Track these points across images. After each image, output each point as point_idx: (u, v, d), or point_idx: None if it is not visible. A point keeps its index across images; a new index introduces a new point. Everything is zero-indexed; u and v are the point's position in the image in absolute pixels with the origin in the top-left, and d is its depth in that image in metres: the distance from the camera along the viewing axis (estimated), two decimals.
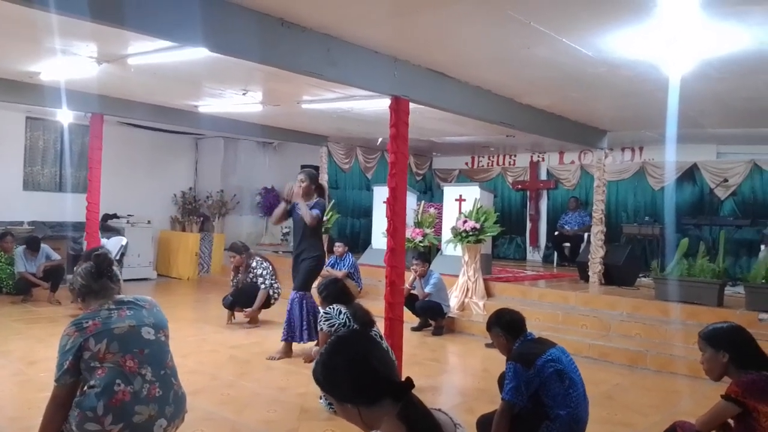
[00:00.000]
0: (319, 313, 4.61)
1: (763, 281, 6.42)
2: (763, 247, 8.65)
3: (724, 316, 6.29)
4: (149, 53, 5.35)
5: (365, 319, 4.18)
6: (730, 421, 2.65)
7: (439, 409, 1.70)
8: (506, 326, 3.33)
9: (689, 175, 10.72)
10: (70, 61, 5.81)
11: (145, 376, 2.72)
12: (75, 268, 3.00)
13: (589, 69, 5.09)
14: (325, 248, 9.08)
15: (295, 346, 5.85)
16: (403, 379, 1.63)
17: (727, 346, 2.66)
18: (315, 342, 5.50)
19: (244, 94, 7.22)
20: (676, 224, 10.22)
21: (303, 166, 10.82)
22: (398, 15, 4.08)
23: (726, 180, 10.16)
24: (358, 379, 1.61)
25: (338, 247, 8.87)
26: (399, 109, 5.06)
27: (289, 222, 6.25)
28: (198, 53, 4.82)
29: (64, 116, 9.25)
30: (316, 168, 10.88)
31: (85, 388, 2.67)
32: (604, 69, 5.05)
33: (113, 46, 5.26)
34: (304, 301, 5.76)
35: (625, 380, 5.59)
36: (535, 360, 3.09)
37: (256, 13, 3.98)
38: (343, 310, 4.35)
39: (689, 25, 3.90)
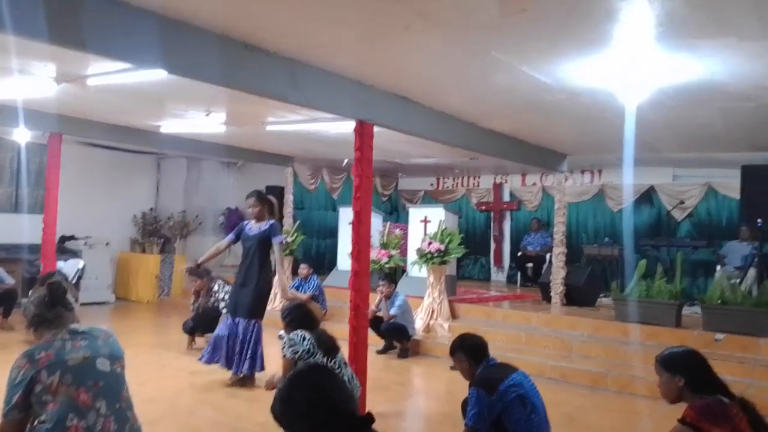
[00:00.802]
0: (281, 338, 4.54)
1: (719, 302, 6.60)
2: (718, 267, 8.92)
3: (682, 336, 6.44)
4: (109, 74, 5.26)
5: (329, 345, 4.14)
6: None
7: None
8: (469, 351, 3.35)
9: (647, 197, 11.01)
10: (28, 80, 5.67)
11: (99, 409, 2.63)
12: (29, 294, 2.90)
13: (548, 96, 5.21)
14: (290, 270, 9.04)
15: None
16: (365, 411, 1.62)
17: (682, 371, 2.72)
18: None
19: (207, 114, 7.15)
20: (635, 245, 10.47)
21: (268, 187, 10.81)
22: (362, 41, 4.11)
23: (682, 202, 10.46)
24: (317, 415, 1.59)
25: (303, 268, 8.81)
26: (363, 133, 5.09)
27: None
28: (159, 74, 4.76)
29: (21, 135, 9.00)
30: (282, 188, 10.85)
31: (35, 423, 2.56)
32: (563, 96, 5.18)
33: (72, 66, 5.16)
34: (255, 330, 5.56)
35: (586, 401, 5.66)
36: (498, 385, 3.11)
37: (218, 36, 3.96)
38: (308, 336, 4.29)
39: (644, 56, 4.04)
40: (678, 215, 10.60)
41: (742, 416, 2.56)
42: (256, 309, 5.59)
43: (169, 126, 8.06)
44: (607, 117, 5.79)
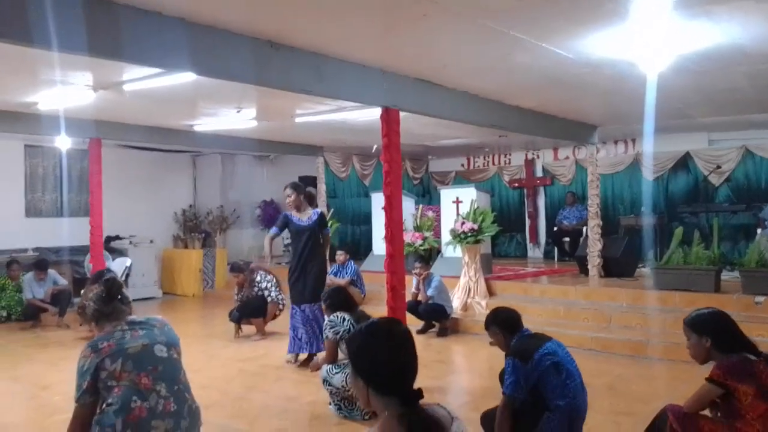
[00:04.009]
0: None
1: (757, 265, 6.54)
2: (759, 230, 8.77)
3: (721, 301, 6.40)
4: (143, 79, 5.49)
5: None
6: (718, 400, 2.78)
7: (438, 404, 1.80)
8: (502, 324, 3.46)
9: (683, 163, 10.83)
10: (67, 90, 5.95)
11: (159, 392, 2.85)
12: (83, 292, 3.13)
13: (570, 70, 5.23)
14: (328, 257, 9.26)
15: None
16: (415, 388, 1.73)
17: (709, 332, 2.79)
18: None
19: (238, 111, 7.36)
20: (673, 213, 10.35)
21: (300, 178, 11.03)
22: (382, 31, 4.23)
23: (719, 167, 10.27)
24: (378, 369, 1.71)
25: (340, 255, 8.99)
26: (390, 119, 5.21)
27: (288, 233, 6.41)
28: (189, 76, 4.96)
29: (63, 142, 9.39)
30: (314, 178, 11.05)
31: (104, 406, 2.79)
32: (586, 69, 5.20)
33: (108, 74, 5.40)
34: (319, 312, 5.80)
35: (627, 371, 5.70)
36: (533, 354, 3.22)
37: (245, 37, 4.12)
38: (347, 317, 4.47)
39: (661, 25, 4.05)
40: (715, 180, 10.42)
41: None
42: (317, 293, 5.75)
43: (203, 124, 8.31)
44: (632, 87, 5.76)
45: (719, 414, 2.82)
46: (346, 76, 4.84)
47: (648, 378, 5.46)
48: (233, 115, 7.60)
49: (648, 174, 11.11)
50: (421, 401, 1.72)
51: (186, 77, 5.05)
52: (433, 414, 1.72)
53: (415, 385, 1.73)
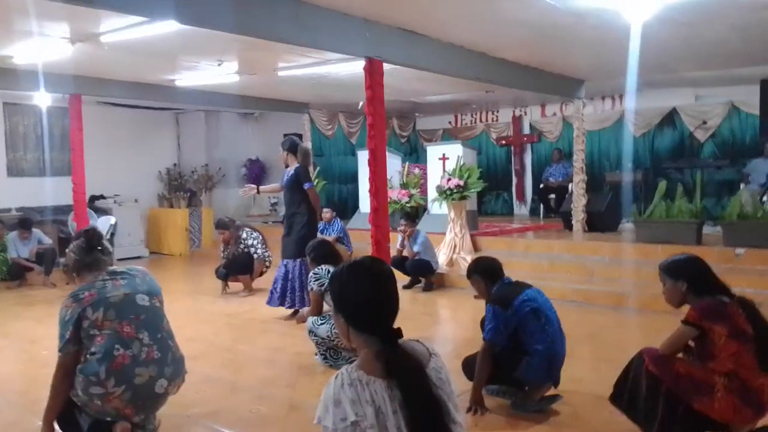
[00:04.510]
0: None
1: (738, 217, 6.62)
2: (743, 185, 8.85)
3: (702, 253, 6.35)
4: (121, 29, 5.36)
5: None
6: (691, 343, 2.85)
7: (417, 340, 1.80)
8: (484, 272, 3.50)
9: (669, 119, 10.84)
10: (43, 42, 5.80)
11: (142, 340, 2.87)
12: (67, 251, 3.12)
13: (556, 20, 5.17)
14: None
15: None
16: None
17: (684, 276, 2.84)
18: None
19: (219, 64, 7.23)
20: (658, 169, 10.41)
21: (285, 135, 10.92)
22: None
23: (705, 122, 10.31)
24: (359, 306, 1.72)
25: (326, 213, 8.97)
26: (373, 71, 5.15)
27: (278, 193, 6.42)
28: (170, 26, 4.84)
29: (42, 100, 9.20)
30: (300, 136, 10.94)
31: (87, 355, 2.82)
32: (572, 19, 5.13)
33: (85, 24, 5.27)
34: (303, 267, 5.82)
35: (609, 321, 5.82)
36: (512, 301, 3.27)
37: None
38: (332, 269, 4.49)
39: None
40: (701, 136, 10.46)
41: (741, 313, 2.69)
42: (299, 250, 5.75)
43: (184, 79, 8.17)
44: (616, 37, 5.70)
45: (692, 358, 2.89)
46: (327, 25, 4.75)
47: (628, 327, 5.58)
48: (215, 69, 7.46)
49: (634, 130, 11.12)
50: (401, 340, 1.73)
51: (166, 27, 4.93)
52: (411, 350, 1.73)
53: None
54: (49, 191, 10.04)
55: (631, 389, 2.85)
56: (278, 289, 5.91)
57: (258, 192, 6.52)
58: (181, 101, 9.50)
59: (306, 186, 5.81)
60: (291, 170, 5.90)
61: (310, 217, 5.95)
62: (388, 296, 1.75)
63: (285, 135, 10.91)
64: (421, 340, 1.81)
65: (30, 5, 4.52)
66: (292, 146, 6.01)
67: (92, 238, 3.07)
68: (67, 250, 3.12)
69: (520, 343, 3.28)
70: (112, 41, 5.72)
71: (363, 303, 1.72)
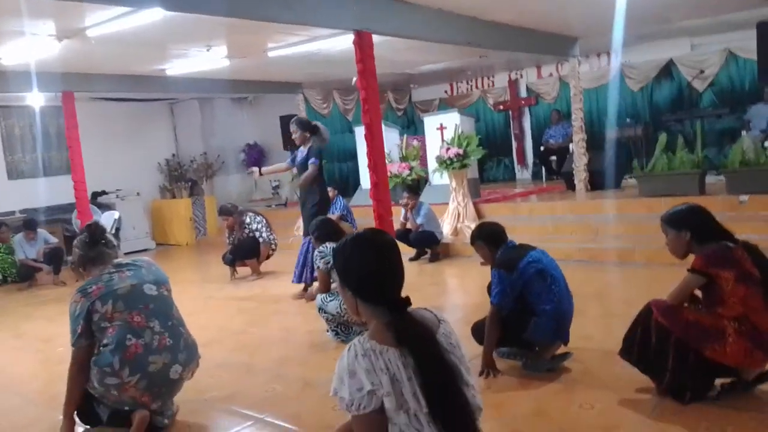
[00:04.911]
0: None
1: (740, 165, 6.58)
2: (744, 132, 8.78)
3: (706, 203, 6.33)
4: (107, 22, 5.31)
5: None
6: (698, 293, 2.86)
7: (425, 308, 1.82)
8: (487, 237, 3.51)
9: (666, 72, 10.71)
10: (30, 41, 5.76)
11: (153, 328, 2.90)
12: (73, 243, 3.14)
13: None
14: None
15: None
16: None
17: (686, 225, 2.84)
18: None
19: (208, 50, 7.16)
20: (658, 122, 10.31)
21: (282, 117, 10.86)
22: None
23: (702, 71, 10.17)
24: (364, 278, 1.73)
25: (328, 191, 8.96)
26: (363, 44, 5.09)
27: (279, 176, 6.40)
28: (155, 14, 4.79)
29: (35, 100, 9.17)
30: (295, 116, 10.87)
31: (100, 347, 2.85)
32: None
33: (70, 20, 5.22)
34: (311, 245, 5.80)
35: (614, 277, 5.83)
36: (517, 263, 3.28)
37: None
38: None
39: None
40: (699, 86, 10.34)
41: (747, 257, 2.69)
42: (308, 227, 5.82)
43: (175, 68, 8.11)
44: None
45: (700, 306, 2.89)
46: (313, 1, 4.68)
47: (635, 282, 5.58)
48: (204, 55, 7.39)
49: (632, 84, 11.00)
50: (409, 308, 1.74)
51: (150, 15, 4.88)
52: (421, 318, 1.75)
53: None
54: (51, 191, 10.08)
55: (641, 342, 2.86)
56: (299, 265, 6.01)
57: (261, 174, 6.52)
58: (173, 90, 9.44)
59: (310, 162, 5.79)
60: (304, 149, 5.89)
61: (322, 196, 5.98)
62: (392, 266, 1.76)
63: (281, 117, 10.96)
64: (428, 308, 1.83)
65: (12, 4, 4.47)
66: (308, 126, 5.97)
67: (95, 232, 3.09)
68: (74, 252, 3.14)
69: (528, 305, 3.29)
70: (99, 35, 5.67)
71: (368, 274, 1.73)
